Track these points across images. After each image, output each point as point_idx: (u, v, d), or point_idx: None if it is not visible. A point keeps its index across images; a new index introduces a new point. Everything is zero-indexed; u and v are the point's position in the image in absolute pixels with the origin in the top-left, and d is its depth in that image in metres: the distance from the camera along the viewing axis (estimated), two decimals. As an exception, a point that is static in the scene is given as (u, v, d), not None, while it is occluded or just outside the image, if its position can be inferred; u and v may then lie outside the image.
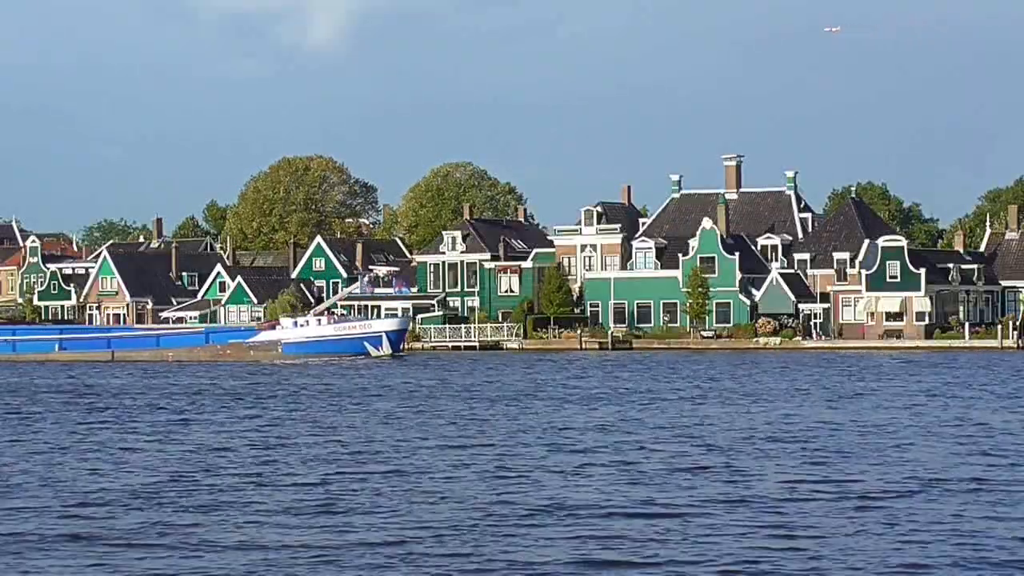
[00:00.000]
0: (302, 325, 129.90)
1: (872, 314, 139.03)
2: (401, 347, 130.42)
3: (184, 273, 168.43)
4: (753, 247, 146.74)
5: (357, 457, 44.57)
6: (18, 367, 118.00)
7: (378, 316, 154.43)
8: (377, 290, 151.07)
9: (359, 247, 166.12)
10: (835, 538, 29.70)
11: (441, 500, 35.22)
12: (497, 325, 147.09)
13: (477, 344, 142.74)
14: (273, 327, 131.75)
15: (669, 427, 54.31)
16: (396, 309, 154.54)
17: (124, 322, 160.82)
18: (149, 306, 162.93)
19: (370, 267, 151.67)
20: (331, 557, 28.21)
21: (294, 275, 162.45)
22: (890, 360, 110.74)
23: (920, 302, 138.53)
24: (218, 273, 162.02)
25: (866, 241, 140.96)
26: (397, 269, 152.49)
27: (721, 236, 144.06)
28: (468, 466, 41.78)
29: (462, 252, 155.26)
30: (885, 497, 35.23)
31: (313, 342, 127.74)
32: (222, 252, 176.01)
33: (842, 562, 27.43)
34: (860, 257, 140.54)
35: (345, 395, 75.12)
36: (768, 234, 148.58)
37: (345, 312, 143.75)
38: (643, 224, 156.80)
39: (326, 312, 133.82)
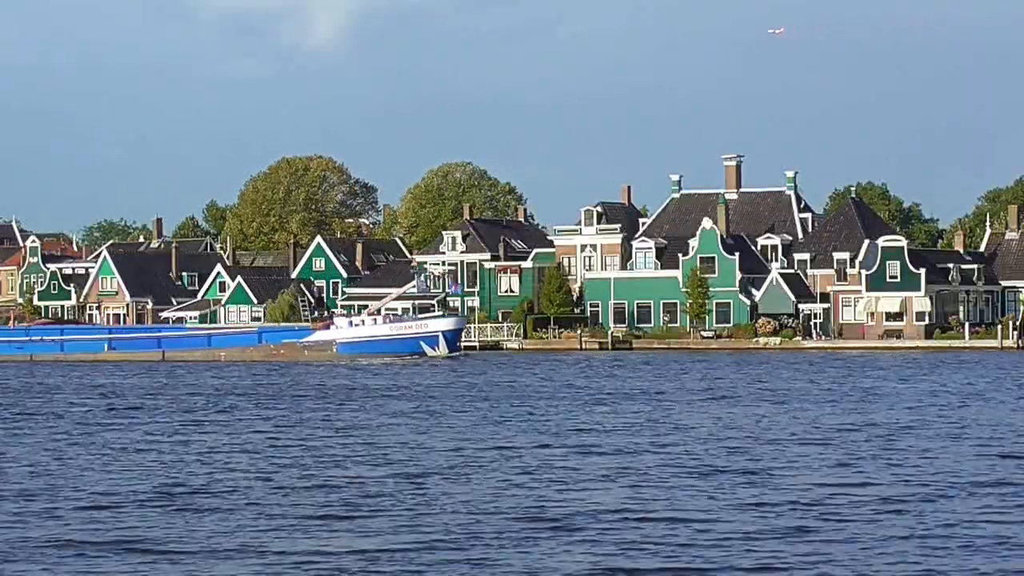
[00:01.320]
0: (357, 324, 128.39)
1: (872, 314, 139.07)
2: (458, 346, 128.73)
3: (184, 273, 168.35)
4: (753, 247, 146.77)
5: (488, 462, 43.93)
6: (94, 369, 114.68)
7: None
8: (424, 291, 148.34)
9: (359, 247, 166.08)
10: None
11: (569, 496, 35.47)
12: (497, 325, 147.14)
13: (477, 344, 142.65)
14: (327, 326, 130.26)
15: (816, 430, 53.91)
16: (396, 308, 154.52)
17: (124, 322, 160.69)
18: (149, 306, 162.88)
19: (424, 267, 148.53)
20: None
21: (294, 275, 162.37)
22: (911, 359, 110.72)
23: (920, 302, 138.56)
24: (218, 273, 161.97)
25: (866, 241, 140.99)
26: (452, 268, 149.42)
27: (721, 236, 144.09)
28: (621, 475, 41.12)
29: (462, 252, 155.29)
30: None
31: (368, 342, 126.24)
32: (222, 252, 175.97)
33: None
34: (860, 257, 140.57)
35: (440, 397, 73.67)
36: (768, 234, 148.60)
37: (393, 312, 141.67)
38: (643, 224, 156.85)
39: (379, 311, 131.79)
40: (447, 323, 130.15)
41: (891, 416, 59.10)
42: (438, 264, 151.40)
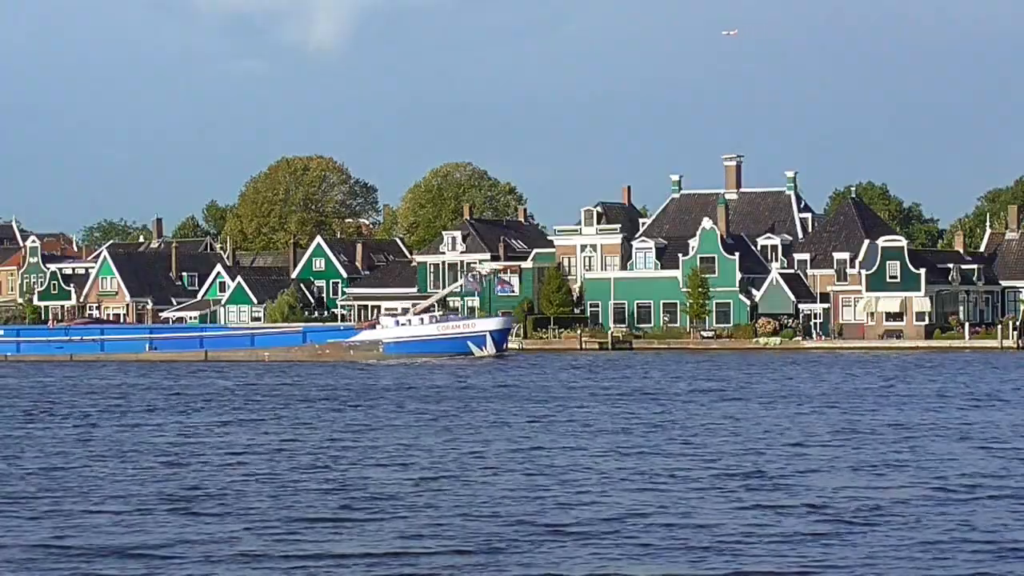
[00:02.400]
0: (404, 324, 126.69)
1: (872, 314, 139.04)
2: (504, 346, 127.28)
3: (184, 273, 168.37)
4: (753, 247, 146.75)
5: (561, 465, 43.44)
6: (146, 368, 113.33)
7: (377, 314, 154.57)
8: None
9: (359, 247, 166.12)
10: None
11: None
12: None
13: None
14: (373, 326, 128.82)
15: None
16: (396, 309, 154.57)
17: (123, 322, 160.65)
18: (149, 306, 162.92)
19: (472, 266, 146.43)
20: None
21: (294, 275, 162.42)
22: (926, 359, 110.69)
23: (920, 302, 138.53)
24: (218, 273, 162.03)
25: (866, 241, 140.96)
26: (501, 268, 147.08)
27: (721, 236, 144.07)
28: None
29: (462, 252, 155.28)
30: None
31: (415, 341, 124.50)
32: (222, 252, 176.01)
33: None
34: (860, 257, 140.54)
35: (516, 397, 72.76)
36: (768, 234, 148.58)
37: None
38: (643, 224, 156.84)
39: (426, 311, 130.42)
40: (494, 323, 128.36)
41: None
42: (487, 263, 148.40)
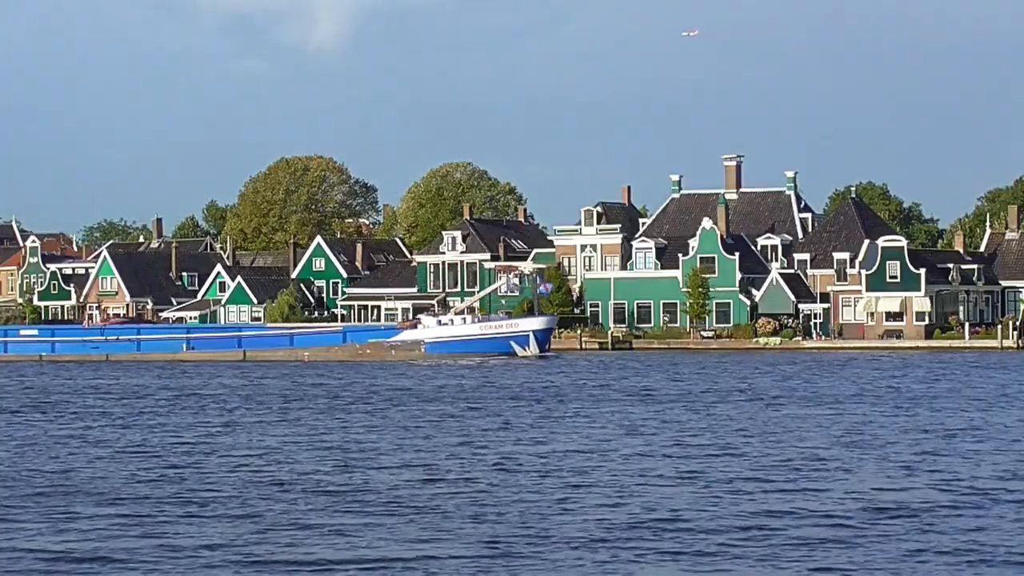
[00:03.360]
0: (445, 324, 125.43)
1: (872, 314, 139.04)
2: (547, 346, 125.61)
3: (184, 273, 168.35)
4: (753, 247, 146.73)
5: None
6: (179, 369, 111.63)
7: (377, 314, 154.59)
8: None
9: (359, 247, 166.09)
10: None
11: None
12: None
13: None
14: (414, 326, 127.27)
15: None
16: (396, 309, 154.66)
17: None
18: (149, 306, 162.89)
19: (512, 266, 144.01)
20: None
21: (294, 275, 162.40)
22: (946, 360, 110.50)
23: (920, 302, 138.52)
24: (218, 273, 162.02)
25: (866, 241, 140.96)
26: (542, 267, 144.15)
27: (721, 236, 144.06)
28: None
29: (462, 252, 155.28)
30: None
31: (457, 341, 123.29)
32: (222, 252, 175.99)
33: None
34: (860, 257, 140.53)
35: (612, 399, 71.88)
36: (768, 234, 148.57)
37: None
38: (643, 224, 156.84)
39: (467, 311, 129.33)
40: (538, 322, 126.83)
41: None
42: (527, 263, 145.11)
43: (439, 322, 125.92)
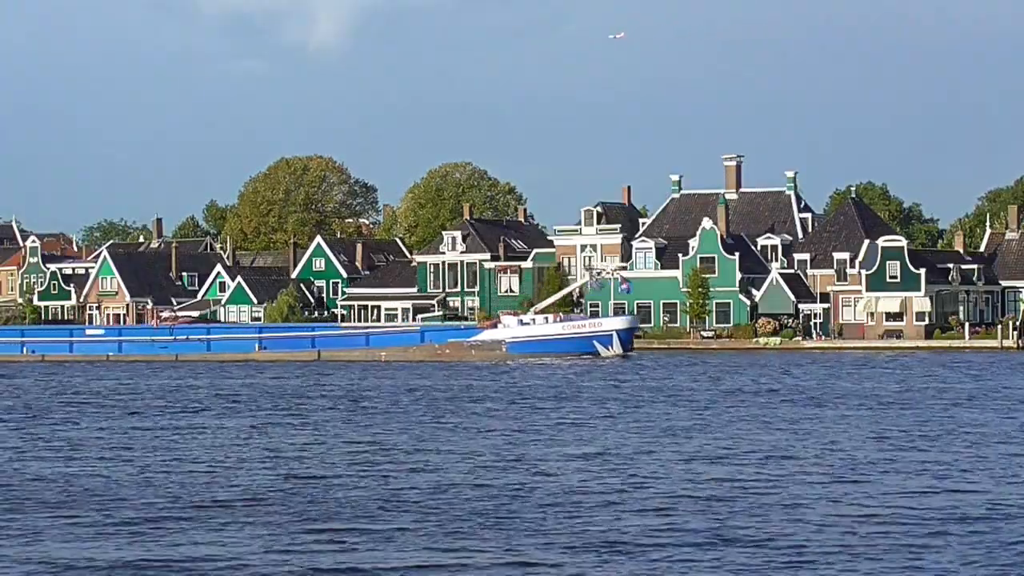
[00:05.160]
0: (527, 323, 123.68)
1: (872, 314, 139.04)
2: (630, 345, 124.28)
3: (184, 273, 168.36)
4: (753, 247, 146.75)
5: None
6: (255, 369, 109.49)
7: (377, 314, 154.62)
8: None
9: (359, 247, 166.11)
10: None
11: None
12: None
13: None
14: (495, 325, 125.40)
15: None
16: (396, 309, 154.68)
17: (124, 322, 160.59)
18: (149, 306, 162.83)
19: (593, 266, 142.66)
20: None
21: (294, 275, 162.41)
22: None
23: (920, 302, 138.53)
24: (218, 273, 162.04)
25: (866, 241, 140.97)
26: (624, 266, 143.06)
27: (721, 236, 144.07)
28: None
29: (462, 252, 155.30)
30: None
31: (540, 341, 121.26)
32: (222, 252, 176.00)
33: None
34: (860, 257, 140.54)
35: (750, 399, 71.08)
36: (768, 234, 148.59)
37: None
38: (643, 224, 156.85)
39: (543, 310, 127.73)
40: (621, 322, 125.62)
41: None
42: (609, 262, 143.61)
43: (520, 321, 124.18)
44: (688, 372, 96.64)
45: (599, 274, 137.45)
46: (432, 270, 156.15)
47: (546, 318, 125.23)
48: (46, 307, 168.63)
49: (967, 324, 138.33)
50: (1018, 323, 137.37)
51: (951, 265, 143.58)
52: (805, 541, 29.98)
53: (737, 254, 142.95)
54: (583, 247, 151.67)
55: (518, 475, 40.71)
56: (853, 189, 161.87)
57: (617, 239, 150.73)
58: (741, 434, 52.06)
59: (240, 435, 53.64)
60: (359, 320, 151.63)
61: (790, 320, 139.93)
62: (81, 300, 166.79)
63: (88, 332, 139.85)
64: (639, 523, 32.23)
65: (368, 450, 47.74)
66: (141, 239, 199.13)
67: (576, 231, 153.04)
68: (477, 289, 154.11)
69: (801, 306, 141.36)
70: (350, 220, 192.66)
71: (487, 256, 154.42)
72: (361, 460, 44.72)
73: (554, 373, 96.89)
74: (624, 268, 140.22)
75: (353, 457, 45.55)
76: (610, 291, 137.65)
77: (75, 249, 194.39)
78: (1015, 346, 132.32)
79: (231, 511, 34.45)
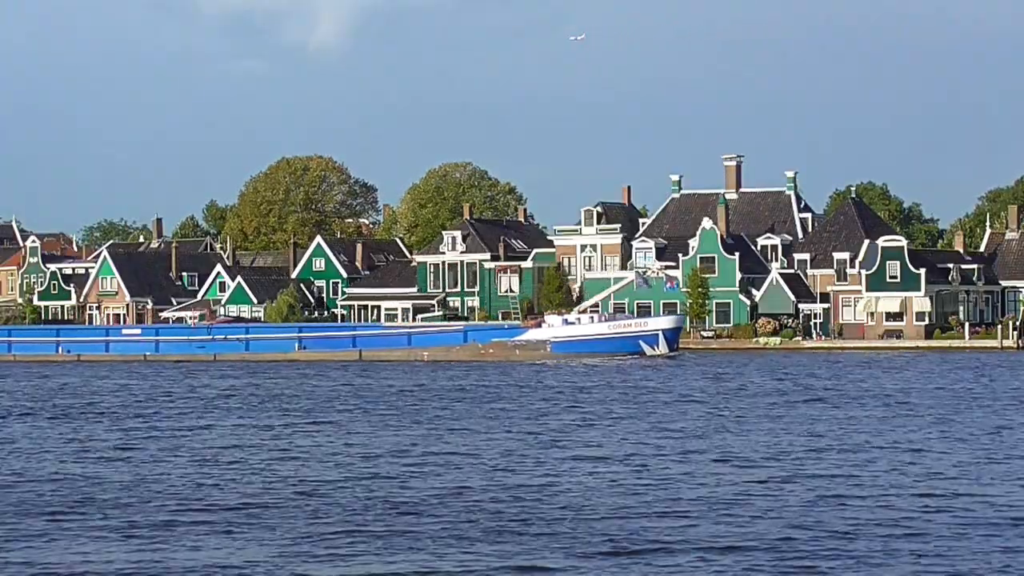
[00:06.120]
0: (572, 323, 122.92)
1: (872, 314, 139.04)
2: (676, 345, 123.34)
3: (184, 273, 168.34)
4: (753, 247, 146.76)
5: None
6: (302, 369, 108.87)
7: (377, 314, 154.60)
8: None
9: (359, 247, 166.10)
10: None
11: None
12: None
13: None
14: (539, 325, 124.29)
15: None
16: (396, 309, 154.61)
17: (123, 323, 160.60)
18: (149, 306, 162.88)
19: (637, 265, 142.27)
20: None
21: (294, 275, 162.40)
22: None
23: (920, 302, 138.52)
24: (218, 273, 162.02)
25: (866, 241, 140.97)
26: (671, 264, 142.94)
27: (721, 236, 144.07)
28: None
29: (462, 252, 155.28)
30: None
31: (585, 341, 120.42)
32: (222, 252, 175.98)
33: None
34: (860, 257, 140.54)
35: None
36: (768, 234, 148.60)
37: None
38: (643, 224, 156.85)
39: (589, 310, 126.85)
40: (667, 321, 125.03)
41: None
42: (654, 261, 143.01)
43: (565, 321, 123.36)
44: (746, 371, 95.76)
45: (645, 272, 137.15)
46: (432, 270, 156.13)
47: (591, 317, 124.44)
48: (46, 307, 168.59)
49: (967, 324, 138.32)
50: (1018, 323, 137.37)
51: (951, 265, 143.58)
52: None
53: (737, 254, 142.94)
54: (583, 247, 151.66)
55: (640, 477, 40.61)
56: (853, 189, 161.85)
57: (617, 239, 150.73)
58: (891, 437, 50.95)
59: (417, 439, 52.43)
60: (359, 320, 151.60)
61: (790, 320, 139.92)
62: (81, 300, 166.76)
63: (125, 332, 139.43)
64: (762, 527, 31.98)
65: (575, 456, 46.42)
66: (141, 239, 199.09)
67: (576, 231, 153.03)
68: (477, 289, 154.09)
69: (801, 306, 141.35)
70: (350, 220, 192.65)
71: (487, 256, 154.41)
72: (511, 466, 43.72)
73: (629, 374, 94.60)
74: (671, 265, 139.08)
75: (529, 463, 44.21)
76: (659, 289, 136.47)
77: (75, 249, 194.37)
78: (1015, 346, 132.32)
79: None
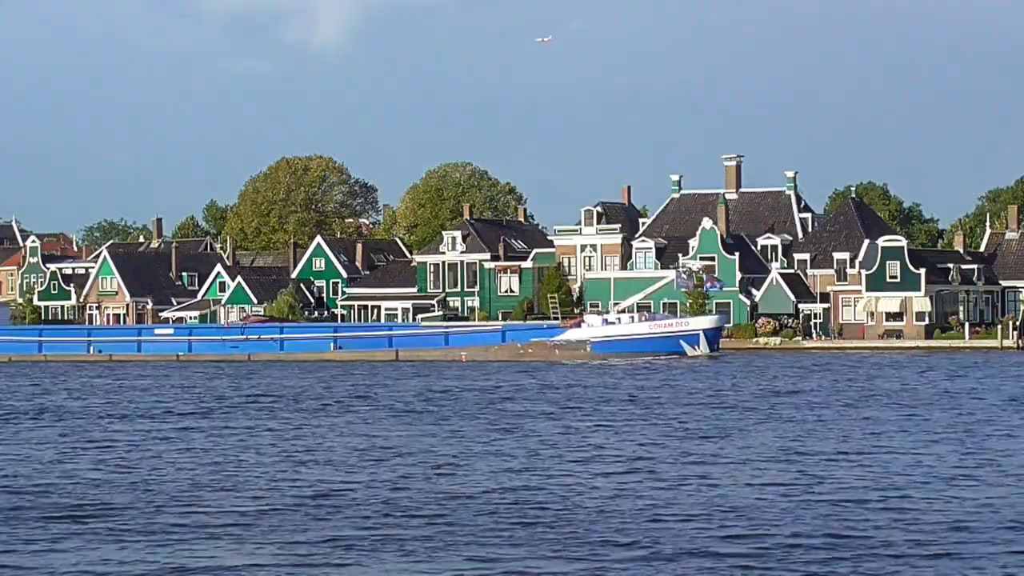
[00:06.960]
0: (611, 322, 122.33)
1: (872, 314, 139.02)
2: (717, 345, 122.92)
3: (184, 273, 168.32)
4: (753, 247, 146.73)
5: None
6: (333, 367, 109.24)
7: (377, 314, 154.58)
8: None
9: (359, 247, 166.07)
10: None
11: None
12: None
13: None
14: (578, 324, 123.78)
15: None
16: (396, 309, 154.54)
17: (124, 323, 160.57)
18: (149, 306, 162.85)
19: (678, 265, 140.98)
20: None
21: (294, 275, 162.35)
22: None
23: (920, 302, 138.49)
24: (218, 273, 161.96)
25: (866, 241, 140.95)
26: (712, 264, 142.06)
27: (721, 236, 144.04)
28: None
29: (462, 252, 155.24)
30: None
31: (625, 340, 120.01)
32: (222, 252, 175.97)
33: None
34: (860, 257, 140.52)
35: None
36: (768, 234, 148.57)
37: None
38: (643, 224, 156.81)
39: (627, 310, 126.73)
40: (708, 321, 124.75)
41: None
42: (694, 259, 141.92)
43: (605, 321, 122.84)
44: (798, 373, 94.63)
45: (685, 271, 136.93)
46: (432, 270, 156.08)
47: (632, 317, 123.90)
48: (46, 307, 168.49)
49: (967, 324, 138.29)
50: (1018, 323, 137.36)
51: (951, 265, 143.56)
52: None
53: (737, 254, 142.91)
54: (583, 247, 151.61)
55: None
56: (853, 189, 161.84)
57: (617, 239, 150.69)
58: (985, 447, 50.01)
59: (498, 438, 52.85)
60: (359, 320, 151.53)
61: (790, 320, 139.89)
62: (81, 300, 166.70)
63: (157, 332, 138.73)
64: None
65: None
66: (141, 239, 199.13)
67: (576, 231, 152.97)
68: (477, 289, 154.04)
69: (801, 306, 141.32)
70: (350, 220, 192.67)
71: (487, 256, 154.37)
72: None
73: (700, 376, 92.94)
74: (712, 264, 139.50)
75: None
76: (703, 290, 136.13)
77: (75, 249, 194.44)
78: (1015, 346, 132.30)
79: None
